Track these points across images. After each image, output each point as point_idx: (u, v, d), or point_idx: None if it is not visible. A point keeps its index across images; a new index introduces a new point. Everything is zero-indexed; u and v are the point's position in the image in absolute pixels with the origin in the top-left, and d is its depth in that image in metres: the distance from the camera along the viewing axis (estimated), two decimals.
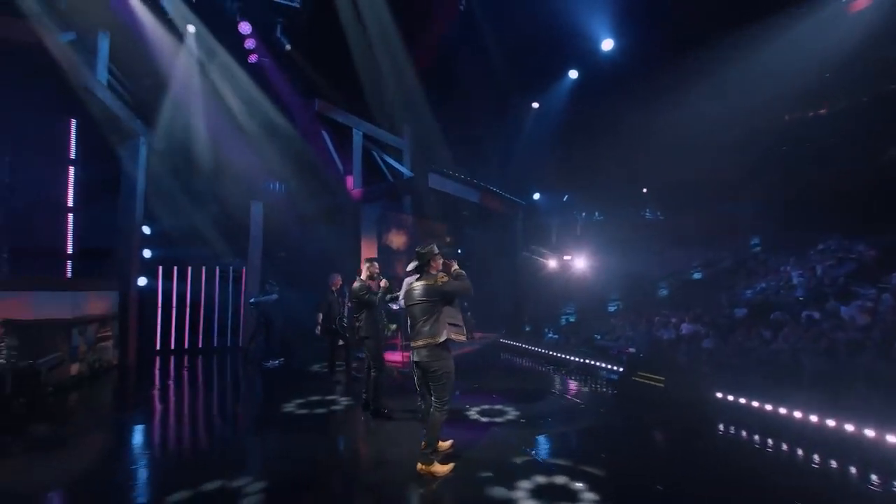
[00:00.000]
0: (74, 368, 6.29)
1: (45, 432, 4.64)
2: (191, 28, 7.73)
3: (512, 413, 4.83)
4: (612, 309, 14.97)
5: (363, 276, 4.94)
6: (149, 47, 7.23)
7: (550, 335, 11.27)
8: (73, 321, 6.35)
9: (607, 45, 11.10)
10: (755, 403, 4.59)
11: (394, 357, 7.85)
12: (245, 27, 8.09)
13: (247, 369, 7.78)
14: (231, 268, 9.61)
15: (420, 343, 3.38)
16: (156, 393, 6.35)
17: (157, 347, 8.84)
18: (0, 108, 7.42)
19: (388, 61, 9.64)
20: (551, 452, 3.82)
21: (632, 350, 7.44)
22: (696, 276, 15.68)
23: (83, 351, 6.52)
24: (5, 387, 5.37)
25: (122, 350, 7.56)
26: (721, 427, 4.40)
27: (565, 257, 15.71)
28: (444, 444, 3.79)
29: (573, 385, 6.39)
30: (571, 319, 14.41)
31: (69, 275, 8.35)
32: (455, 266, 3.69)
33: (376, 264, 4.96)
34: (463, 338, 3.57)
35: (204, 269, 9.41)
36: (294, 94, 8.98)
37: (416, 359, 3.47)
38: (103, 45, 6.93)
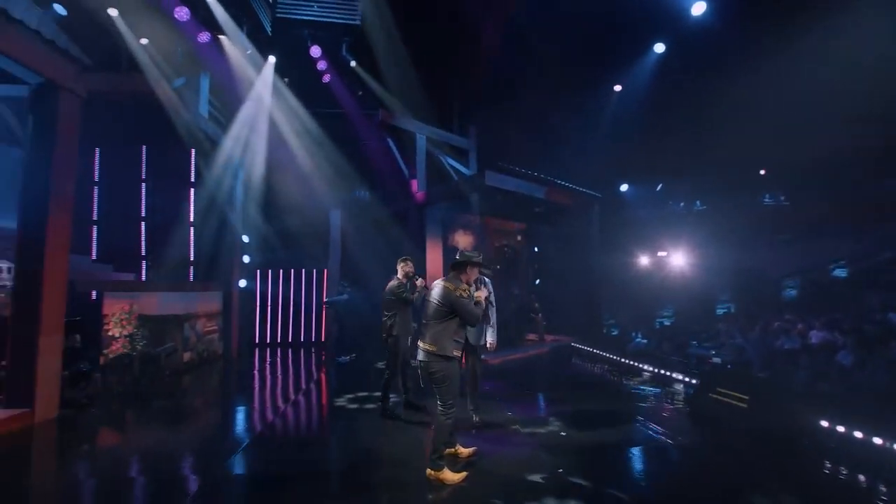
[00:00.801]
0: (186, 356, 7.55)
1: (165, 406, 5.73)
2: (271, 59, 8.74)
3: (555, 424, 4.48)
4: (721, 311, 12.99)
5: (399, 275, 5.02)
6: (237, 80, 8.37)
7: (638, 339, 10.20)
8: (185, 317, 7.64)
9: (698, 8, 9.63)
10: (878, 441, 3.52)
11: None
12: (316, 51, 8.86)
13: (324, 363, 8.53)
14: (314, 270, 10.62)
15: (424, 345, 3.33)
16: (250, 378, 7.45)
17: (256, 340, 10.17)
18: (140, 143, 9.29)
19: (451, 61, 9.71)
20: (579, 472, 3.44)
21: (716, 360, 6.34)
22: (839, 272, 12.77)
23: (193, 342, 7.81)
24: (135, 369, 6.69)
25: (225, 342, 8.86)
26: (828, 468, 3.49)
27: (660, 254, 14.07)
28: (465, 452, 3.69)
29: (638, 398, 5.68)
30: (666, 323, 12.85)
31: (191, 278, 10.09)
32: (482, 294, 3.54)
33: (410, 263, 5.00)
34: (460, 351, 3.45)
35: (292, 272, 10.56)
36: (360, 107, 9.58)
37: (419, 358, 3.44)
38: (204, 84, 8.22)
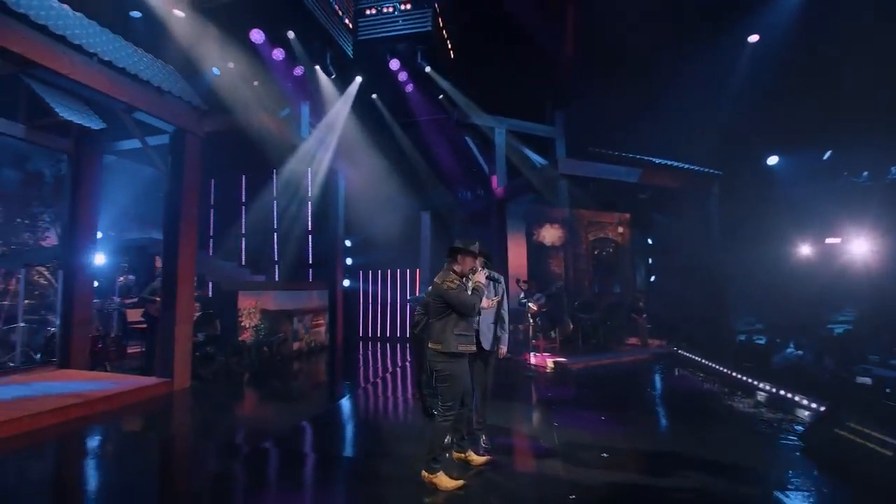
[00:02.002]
0: (296, 345, 8.85)
1: (277, 387, 6.85)
2: (357, 79, 9.64)
3: (601, 445, 3.86)
4: None
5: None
6: (330, 102, 9.46)
7: (790, 351, 8.10)
8: (295, 312, 8.96)
9: None
10: None
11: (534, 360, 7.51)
12: (394, 64, 9.44)
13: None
14: (408, 271, 11.28)
15: (430, 344, 3.24)
16: (345, 365, 8.49)
17: (360, 334, 11.30)
18: (272, 167, 11.24)
19: (535, 46, 9.22)
20: None
21: (864, 380, 4.60)
22: None
23: (301, 333, 9.10)
24: (251, 354, 8.07)
25: (331, 334, 10.08)
26: None
27: (830, 240, 10.81)
28: (477, 459, 3.50)
29: (745, 427, 4.49)
30: (838, 331, 9.77)
31: (311, 279, 11.78)
32: (480, 278, 3.30)
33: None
34: (472, 348, 3.23)
35: (389, 272, 11.42)
36: (440, 110, 9.83)
37: (428, 356, 3.36)
38: (304, 111, 9.53)
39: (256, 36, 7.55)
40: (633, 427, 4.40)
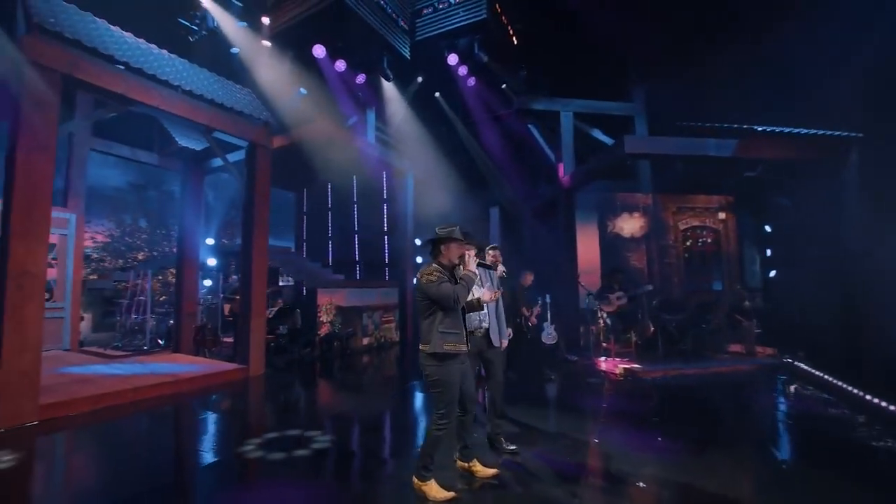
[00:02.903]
0: (365, 341, 9.28)
1: (341, 378, 7.26)
2: (418, 79, 9.76)
3: (642, 472, 3.23)
4: None
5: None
6: (394, 105, 9.74)
7: None
8: (364, 308, 9.42)
9: None
10: None
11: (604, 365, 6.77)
12: (453, 59, 9.33)
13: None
14: None
15: (420, 346, 3.04)
16: (414, 362, 8.57)
17: None
18: (352, 173, 12.04)
19: (608, 16, 8.28)
20: None
21: None
22: None
23: (371, 329, 9.51)
24: (321, 346, 8.66)
25: (401, 330, 10.36)
26: None
27: None
28: (483, 471, 3.21)
29: (882, 474, 3.35)
30: None
31: (387, 278, 12.29)
32: (471, 266, 3.00)
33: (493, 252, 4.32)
34: (462, 348, 2.95)
35: None
36: (501, 102, 9.42)
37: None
38: (371, 117, 9.97)
39: (318, 51, 8.12)
40: (694, 455, 3.57)
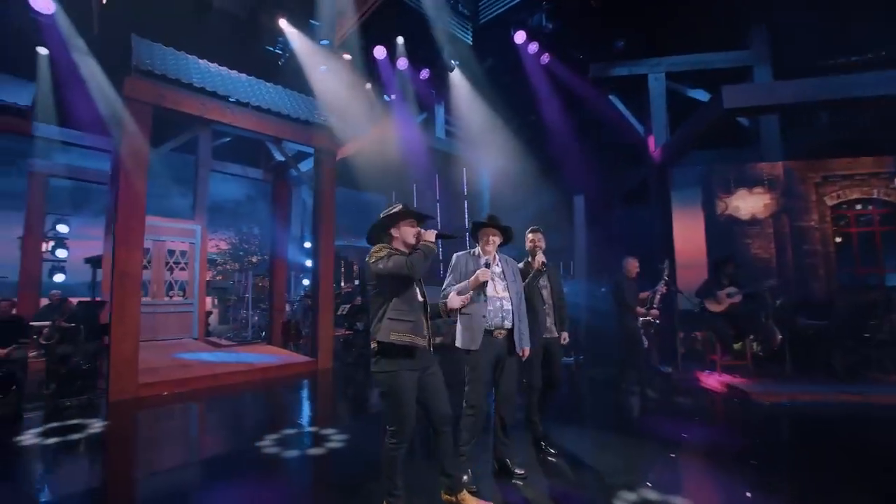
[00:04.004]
0: (437, 339, 9.11)
1: None
2: (486, 64, 9.24)
3: None
4: None
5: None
6: (458, 97, 9.40)
7: None
8: (432, 306, 9.29)
9: None
10: None
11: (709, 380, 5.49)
12: (520, 36, 8.58)
13: None
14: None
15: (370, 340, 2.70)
16: None
17: None
18: (435, 171, 12.10)
19: None
20: None
21: None
22: None
23: (444, 328, 9.31)
24: None
25: None
26: None
27: None
28: (471, 501, 2.69)
29: None
30: None
31: None
32: (429, 237, 2.55)
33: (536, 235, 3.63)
34: (418, 341, 2.48)
35: None
36: (577, 75, 8.32)
37: None
38: (439, 112, 9.80)
39: (379, 52, 8.23)
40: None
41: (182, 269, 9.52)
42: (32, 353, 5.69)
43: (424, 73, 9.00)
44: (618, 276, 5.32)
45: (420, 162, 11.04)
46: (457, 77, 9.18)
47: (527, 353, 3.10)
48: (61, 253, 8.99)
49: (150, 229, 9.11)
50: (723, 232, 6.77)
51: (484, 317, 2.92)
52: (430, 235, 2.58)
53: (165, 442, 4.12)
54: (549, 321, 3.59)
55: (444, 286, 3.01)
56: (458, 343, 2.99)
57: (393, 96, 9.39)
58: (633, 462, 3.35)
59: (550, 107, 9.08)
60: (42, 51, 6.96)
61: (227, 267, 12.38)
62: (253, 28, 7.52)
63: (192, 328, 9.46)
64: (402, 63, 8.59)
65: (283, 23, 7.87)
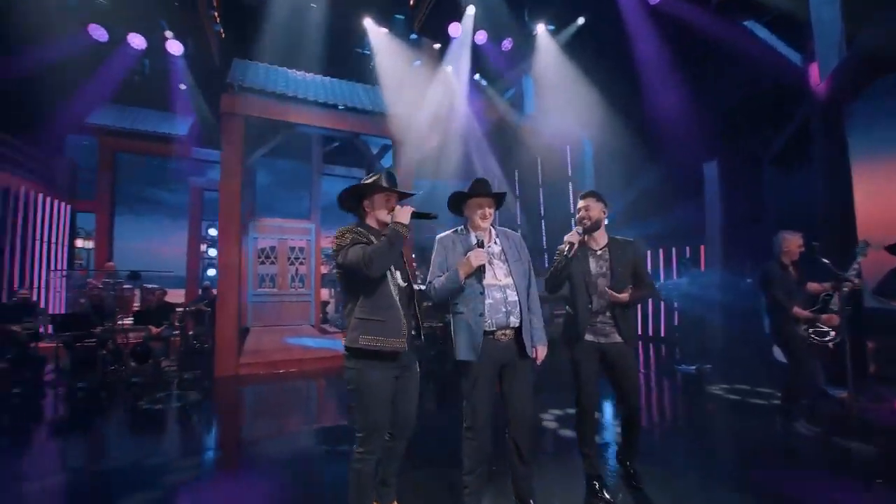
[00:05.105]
0: None
1: None
2: (579, 20, 8.00)
3: None
4: None
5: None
6: (547, 65, 8.32)
7: None
8: (543, 300, 8.45)
9: None
10: None
11: None
12: None
13: (663, 366, 6.38)
14: (687, 248, 8.07)
15: None
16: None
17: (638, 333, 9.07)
18: (538, 153, 11.22)
19: None
20: None
21: None
22: None
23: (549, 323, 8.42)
24: None
25: None
26: None
27: None
28: None
29: None
30: None
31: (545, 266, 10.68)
32: (402, 217, 2.07)
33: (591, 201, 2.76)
34: (390, 345, 2.06)
35: (661, 250, 8.58)
36: (695, 5, 6.49)
37: None
38: (528, 84, 8.87)
39: (454, 29, 7.76)
40: None
41: (301, 263, 10.70)
42: (175, 333, 6.95)
43: (506, 44, 8.22)
44: (769, 265, 3.72)
45: (511, 143, 10.27)
46: (544, 42, 8.14)
47: (542, 354, 2.34)
48: (212, 252, 11.05)
49: (275, 229, 10.55)
50: None
51: (481, 315, 2.23)
52: (403, 215, 2.09)
53: (246, 412, 4.56)
54: (605, 320, 2.67)
55: (427, 278, 2.38)
56: (455, 353, 2.31)
57: (477, 76, 8.86)
58: None
59: (662, 59, 7.35)
60: (182, 86, 8.51)
61: None
62: (344, 33, 7.84)
63: (310, 316, 10.57)
64: (481, 36, 7.98)
65: (367, 22, 8.03)
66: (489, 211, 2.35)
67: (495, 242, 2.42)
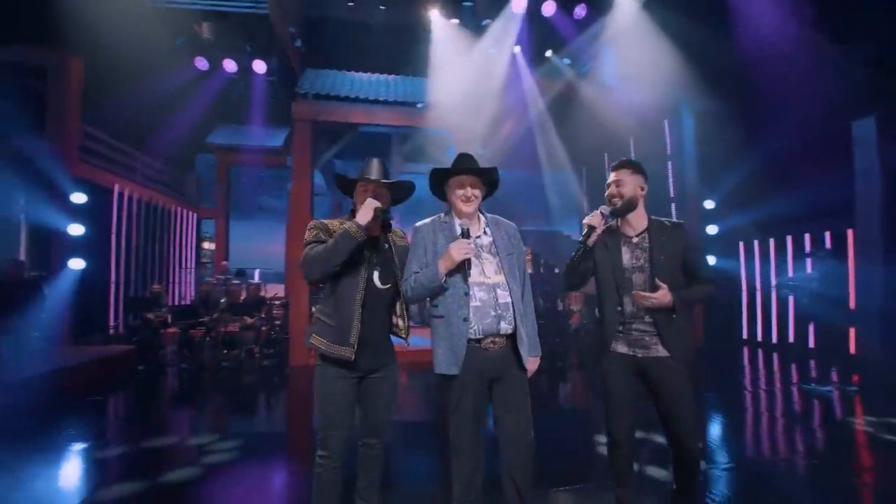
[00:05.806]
0: None
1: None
2: None
3: None
4: None
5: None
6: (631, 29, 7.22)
7: None
8: None
9: None
10: None
11: None
12: None
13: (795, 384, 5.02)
14: (827, 233, 6.30)
15: None
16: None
17: (745, 337, 7.45)
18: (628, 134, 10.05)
19: None
20: None
21: None
22: None
23: None
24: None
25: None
26: None
27: None
28: None
29: None
30: None
31: None
32: (361, 213, 1.84)
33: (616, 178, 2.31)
34: (338, 351, 1.85)
35: (790, 238, 6.85)
36: None
37: None
38: (607, 54, 7.84)
39: (517, 4, 7.16)
40: None
41: None
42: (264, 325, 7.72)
43: (579, 11, 7.35)
44: None
45: (597, 122, 9.24)
46: (623, 2, 7.09)
47: (532, 367, 1.90)
48: None
49: None
50: None
51: (466, 319, 1.84)
52: (364, 211, 1.84)
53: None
54: (643, 327, 2.03)
55: (405, 276, 1.98)
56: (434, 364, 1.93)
57: (549, 52, 8.12)
58: None
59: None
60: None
61: None
62: (409, 29, 7.84)
63: None
64: (550, 7, 7.27)
65: (433, 14, 7.84)
66: (473, 192, 1.93)
67: (485, 232, 2.01)
